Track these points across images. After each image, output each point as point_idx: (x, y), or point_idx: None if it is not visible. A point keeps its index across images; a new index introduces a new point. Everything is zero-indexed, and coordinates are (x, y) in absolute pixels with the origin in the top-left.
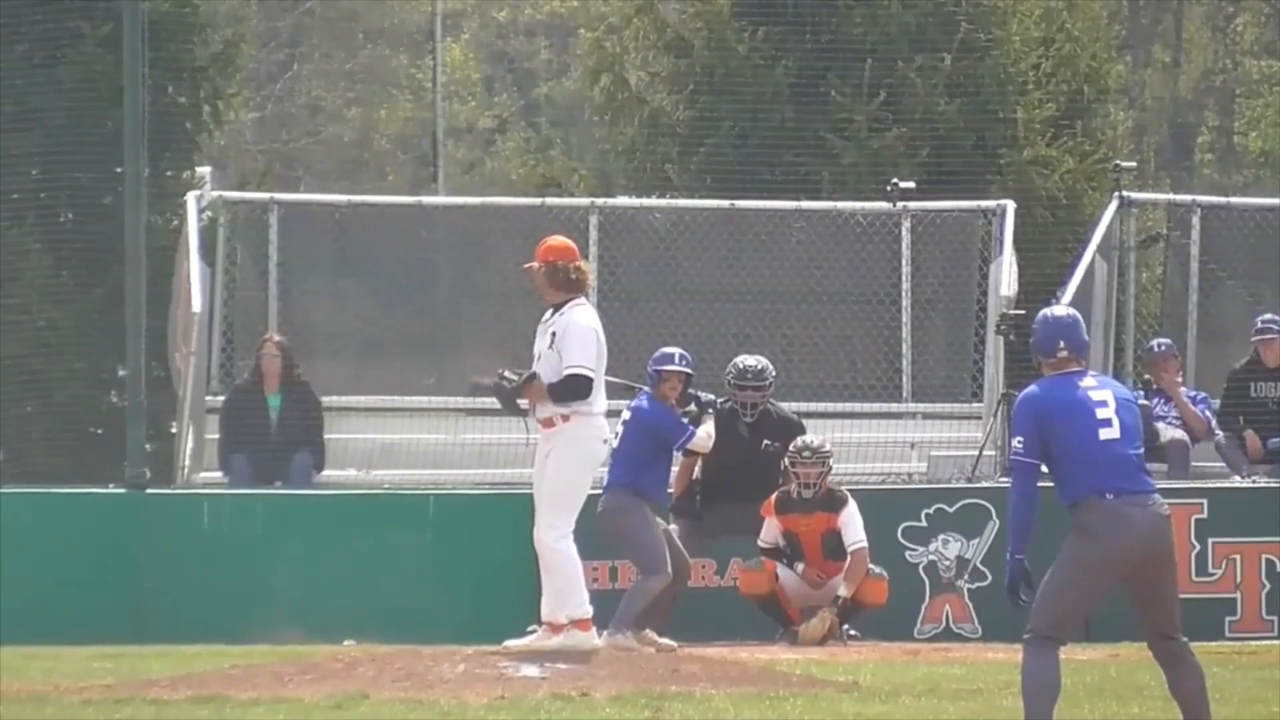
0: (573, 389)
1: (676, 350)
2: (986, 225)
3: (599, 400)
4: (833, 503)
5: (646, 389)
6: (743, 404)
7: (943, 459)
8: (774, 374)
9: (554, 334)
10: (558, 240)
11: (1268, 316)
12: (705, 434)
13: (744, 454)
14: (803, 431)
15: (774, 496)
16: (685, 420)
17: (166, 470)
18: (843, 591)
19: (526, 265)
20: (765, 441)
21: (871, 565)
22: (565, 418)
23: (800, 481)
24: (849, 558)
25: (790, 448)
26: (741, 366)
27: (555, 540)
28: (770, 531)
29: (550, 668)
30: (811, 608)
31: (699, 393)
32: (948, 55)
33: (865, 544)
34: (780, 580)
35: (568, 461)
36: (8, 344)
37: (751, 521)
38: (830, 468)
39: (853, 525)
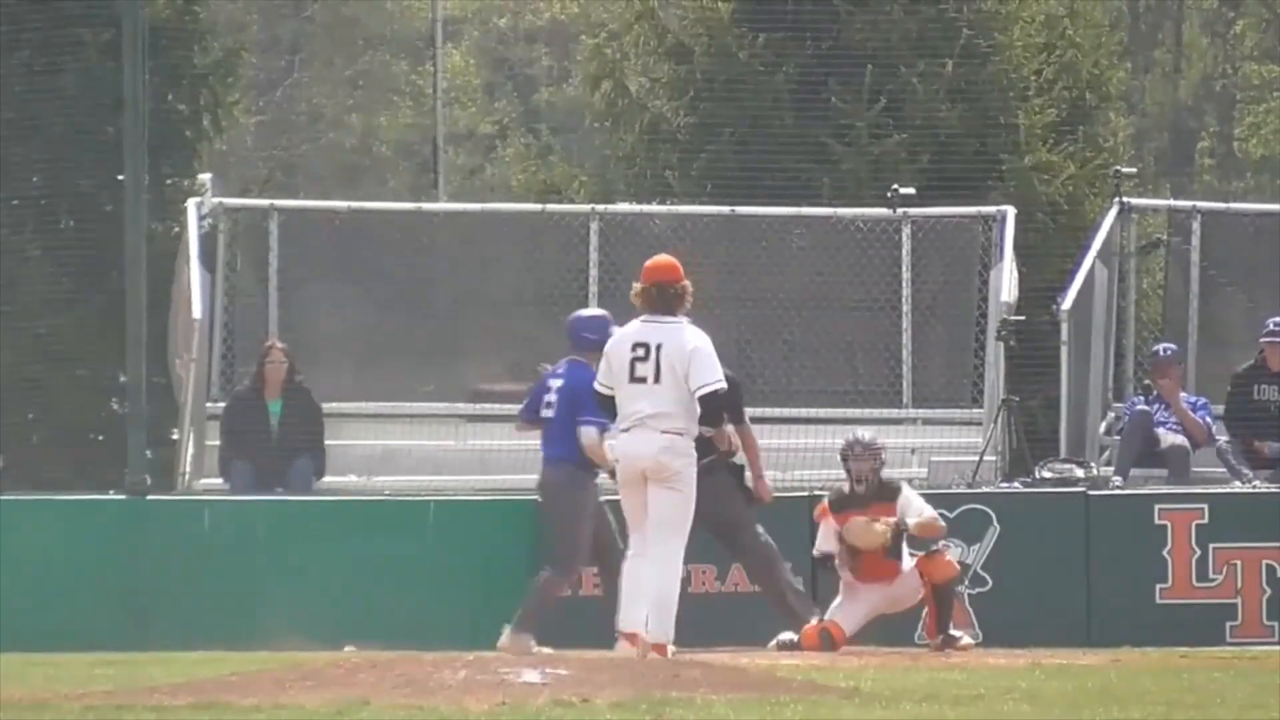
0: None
1: (594, 311)
2: (987, 231)
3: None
4: (887, 493)
5: (575, 358)
6: (858, 478)
7: (943, 465)
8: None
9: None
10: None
11: (1278, 319)
12: None
13: None
14: (737, 384)
15: (827, 499)
16: None
17: (167, 477)
18: (910, 521)
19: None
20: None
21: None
22: None
23: (854, 477)
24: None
25: (842, 442)
26: (852, 439)
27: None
28: (827, 538)
29: (551, 674)
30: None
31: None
32: (949, 61)
33: (933, 513)
34: (849, 619)
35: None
36: (9, 351)
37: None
38: (883, 461)
39: (914, 503)
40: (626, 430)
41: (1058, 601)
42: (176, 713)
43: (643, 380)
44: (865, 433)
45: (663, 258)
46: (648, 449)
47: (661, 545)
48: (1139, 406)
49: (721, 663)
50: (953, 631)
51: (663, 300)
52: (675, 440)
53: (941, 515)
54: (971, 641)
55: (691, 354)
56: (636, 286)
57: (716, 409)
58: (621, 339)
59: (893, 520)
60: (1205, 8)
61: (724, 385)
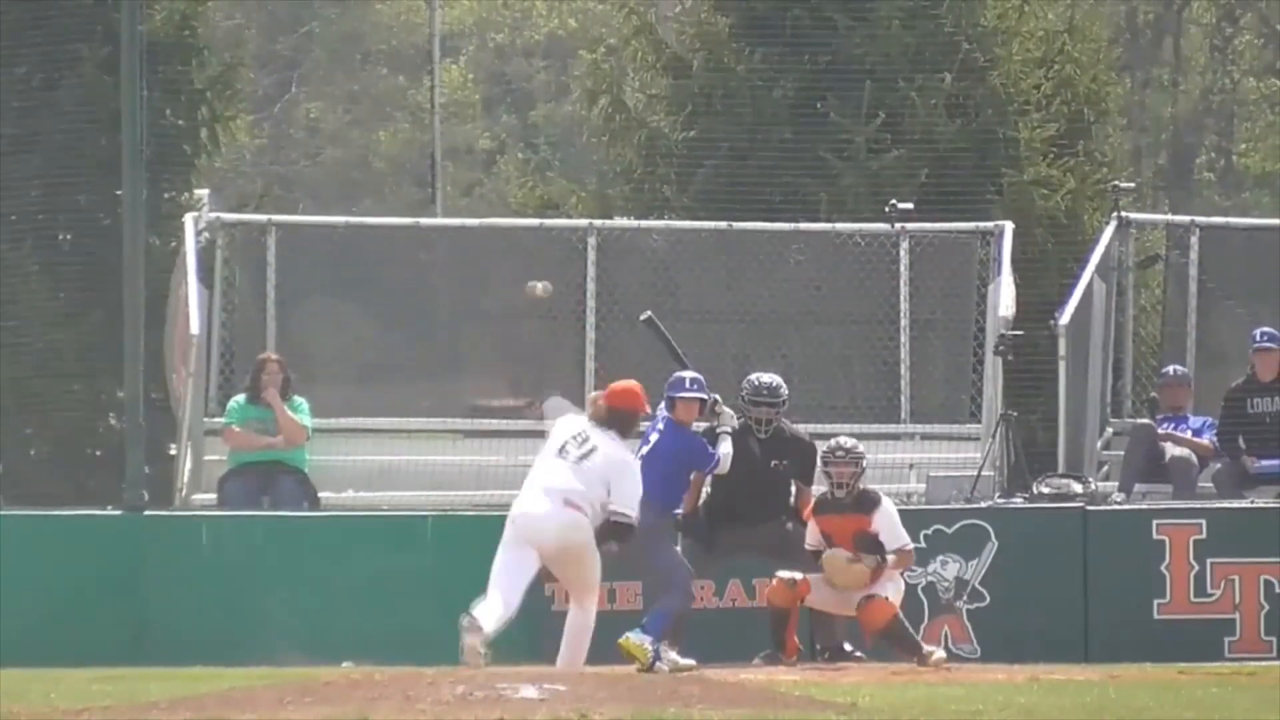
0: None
1: (688, 375)
2: (985, 246)
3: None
4: (865, 504)
5: (665, 414)
6: (756, 420)
7: (941, 480)
8: (787, 392)
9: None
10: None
11: (1266, 329)
12: (725, 457)
13: (755, 471)
14: (814, 451)
15: (814, 500)
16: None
17: (165, 492)
18: (889, 557)
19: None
20: (774, 461)
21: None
22: None
23: (834, 481)
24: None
25: (824, 448)
26: (756, 383)
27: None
28: (812, 535)
29: (549, 689)
30: (840, 620)
31: (715, 397)
32: (948, 76)
33: (909, 545)
34: (813, 594)
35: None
36: (6, 366)
37: (761, 542)
38: (863, 468)
39: (890, 529)
40: (530, 495)
41: (1056, 617)
42: None
43: (565, 458)
44: (848, 440)
45: (630, 384)
46: (550, 524)
47: (584, 601)
48: (1142, 420)
49: (720, 678)
50: (926, 648)
51: (614, 421)
52: (580, 518)
53: (939, 531)
54: (942, 656)
55: (624, 468)
56: (600, 403)
57: (617, 531)
58: (568, 423)
59: (873, 560)
60: (1204, 23)
61: (635, 523)
